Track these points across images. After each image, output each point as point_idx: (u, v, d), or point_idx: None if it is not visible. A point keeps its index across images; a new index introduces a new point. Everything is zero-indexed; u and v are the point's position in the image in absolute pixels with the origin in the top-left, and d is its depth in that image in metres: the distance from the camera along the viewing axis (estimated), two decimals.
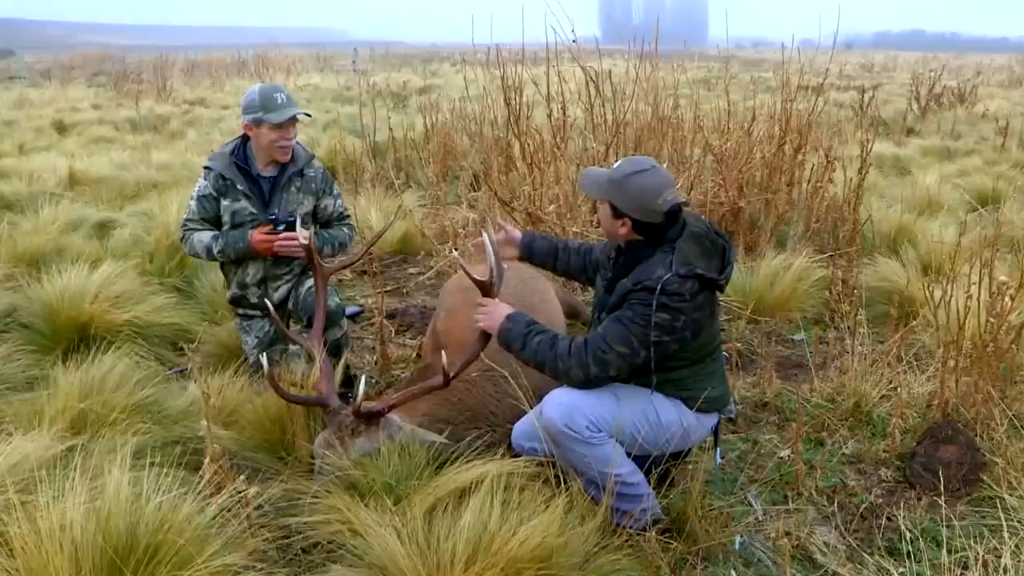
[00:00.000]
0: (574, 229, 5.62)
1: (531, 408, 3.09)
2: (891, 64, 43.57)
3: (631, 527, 2.96)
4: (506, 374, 3.27)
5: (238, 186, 4.02)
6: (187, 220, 4.11)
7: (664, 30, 6.68)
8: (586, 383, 2.89)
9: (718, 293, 3.03)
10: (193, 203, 4.09)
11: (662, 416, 2.98)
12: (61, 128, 14.90)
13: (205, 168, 4.09)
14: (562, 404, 2.91)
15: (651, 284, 2.80)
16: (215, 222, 4.10)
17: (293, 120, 3.98)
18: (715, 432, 3.27)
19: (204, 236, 4.05)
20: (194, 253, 4.11)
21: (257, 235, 3.96)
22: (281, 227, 3.98)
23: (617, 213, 2.97)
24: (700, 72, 18.57)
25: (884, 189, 8.63)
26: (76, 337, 4.47)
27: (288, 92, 4.01)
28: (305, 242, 3.69)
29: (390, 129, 9.34)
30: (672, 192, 2.93)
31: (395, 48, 61.73)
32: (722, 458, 3.49)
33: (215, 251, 4.04)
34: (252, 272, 4.14)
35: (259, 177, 4.07)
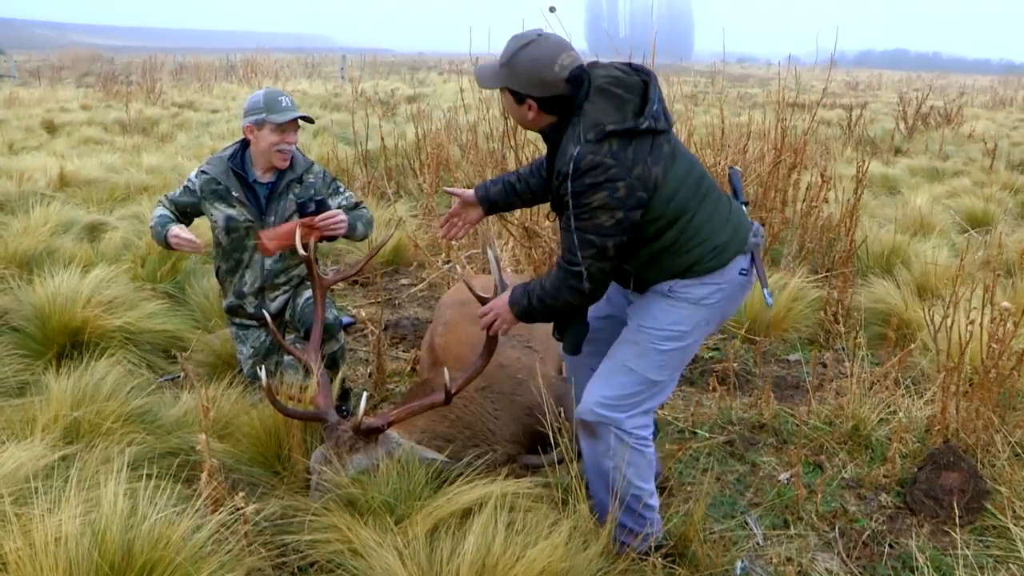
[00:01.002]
0: None
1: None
2: (875, 82, 43.90)
3: (635, 549, 2.91)
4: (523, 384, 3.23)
5: (233, 192, 3.97)
6: (164, 198, 4.11)
7: (651, 44, 6.65)
8: (590, 297, 2.74)
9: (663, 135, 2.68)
10: (179, 189, 4.09)
11: (679, 324, 2.79)
12: (51, 128, 14.77)
13: (201, 170, 4.05)
14: (606, 398, 2.81)
15: (566, 169, 2.57)
16: (183, 212, 4.07)
17: (295, 123, 3.93)
18: (758, 271, 2.92)
19: (155, 212, 4.03)
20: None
21: (267, 234, 3.82)
22: (312, 207, 3.79)
23: (518, 97, 2.71)
24: (686, 87, 18.62)
25: (875, 209, 8.66)
26: (68, 342, 4.41)
27: (292, 98, 3.96)
28: (304, 254, 3.64)
29: (382, 138, 9.31)
30: (569, 56, 2.64)
31: (382, 56, 61.71)
32: (771, 296, 3.08)
33: (150, 223, 4.03)
34: (250, 281, 4.08)
35: (256, 184, 4.03)
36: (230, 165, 3.99)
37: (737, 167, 3.06)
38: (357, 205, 4.16)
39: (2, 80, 30.32)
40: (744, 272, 2.85)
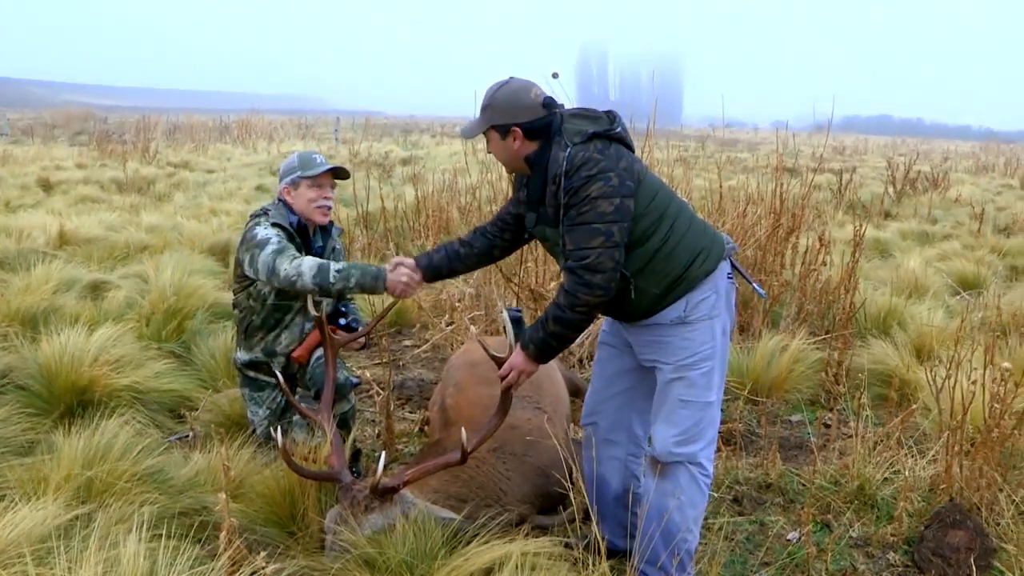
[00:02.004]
0: None
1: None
2: (862, 147, 44.64)
3: None
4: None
5: (301, 250, 3.86)
6: (284, 245, 3.66)
7: (641, 108, 6.77)
8: (606, 295, 2.85)
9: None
10: (274, 236, 3.70)
11: (705, 343, 2.98)
12: (46, 186, 14.85)
13: (273, 224, 3.79)
14: (676, 436, 2.99)
15: (560, 171, 2.82)
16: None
17: (331, 178, 3.95)
18: (740, 272, 3.20)
19: (305, 263, 3.53)
20: (294, 276, 3.52)
21: (312, 342, 3.96)
22: (342, 322, 4.01)
23: (503, 131, 2.99)
24: (676, 151, 18.90)
25: (869, 271, 8.77)
26: (75, 401, 4.40)
27: (324, 157, 3.99)
28: (319, 314, 3.68)
29: (381, 199, 9.41)
30: (539, 88, 2.99)
31: (375, 118, 62.40)
32: (764, 292, 3.40)
33: (332, 274, 3.48)
34: (285, 342, 4.02)
35: (311, 242, 4.04)
36: (294, 223, 3.92)
37: (734, 243, 3.23)
38: None
39: None
40: (729, 277, 3.09)
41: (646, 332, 3.06)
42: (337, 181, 4.04)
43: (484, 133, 3.07)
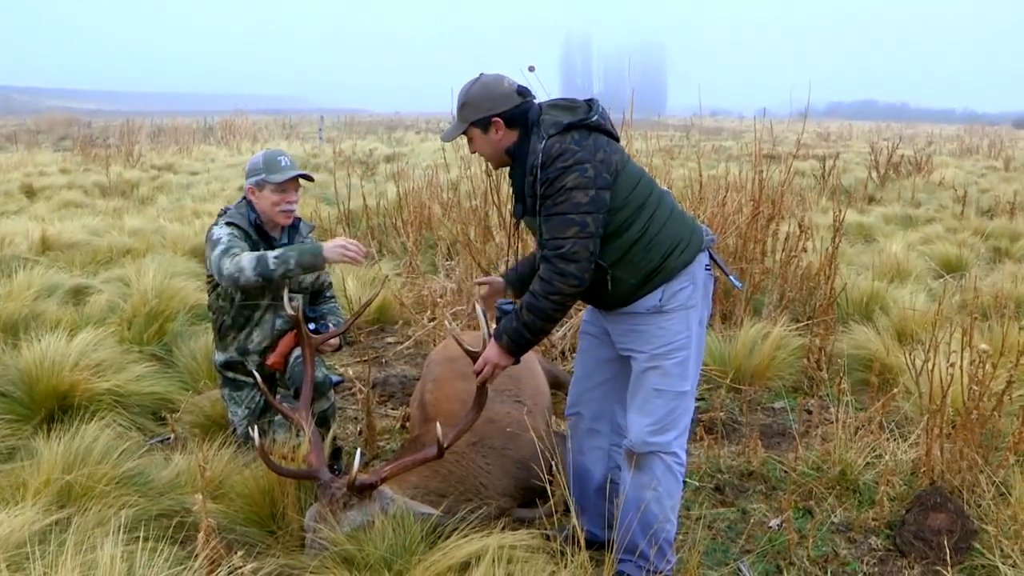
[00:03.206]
0: None
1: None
2: (846, 133, 44.72)
3: None
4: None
5: (261, 248, 3.93)
6: (231, 245, 3.71)
7: (624, 99, 6.79)
8: (580, 285, 2.84)
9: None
10: (225, 236, 3.76)
11: (680, 333, 2.99)
12: (30, 192, 14.76)
13: (229, 223, 3.87)
14: (650, 425, 3.01)
15: (537, 162, 2.83)
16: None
17: (296, 182, 3.97)
18: (718, 263, 3.19)
19: (245, 258, 3.61)
20: (236, 272, 3.59)
21: (272, 357, 3.99)
22: (313, 327, 4.01)
23: (484, 125, 2.99)
24: (662, 141, 18.92)
25: (852, 256, 8.81)
26: (56, 406, 4.39)
27: (291, 158, 4.01)
28: (294, 313, 3.69)
29: (363, 197, 9.38)
30: (510, 79, 3.01)
31: (359, 116, 62.27)
32: (741, 283, 3.39)
33: (277, 264, 3.57)
34: (257, 340, 4.07)
35: (272, 240, 4.06)
36: (253, 220, 3.99)
37: (668, 190, 3.24)
38: (329, 286, 4.36)
39: None
40: (707, 268, 3.08)
41: (623, 320, 3.06)
42: (305, 183, 4.10)
43: (465, 133, 3.05)
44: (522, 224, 3.25)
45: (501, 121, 2.97)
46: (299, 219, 4.15)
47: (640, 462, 3.04)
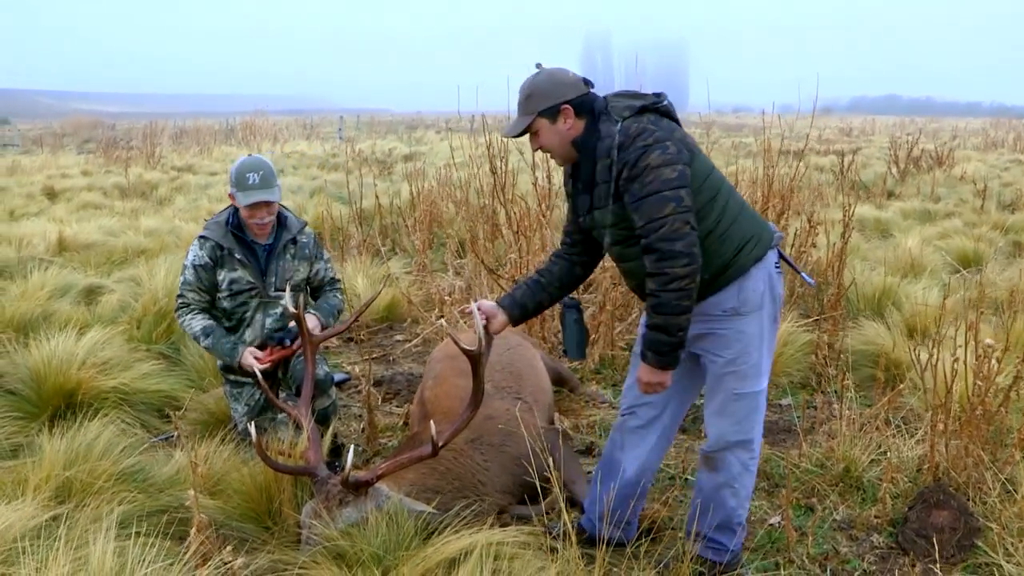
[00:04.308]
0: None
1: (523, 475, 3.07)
2: (869, 128, 44.36)
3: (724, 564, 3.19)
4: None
5: (235, 255, 4.03)
6: (183, 291, 4.06)
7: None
8: (692, 262, 2.71)
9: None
10: (188, 272, 4.04)
11: (754, 336, 2.96)
12: (51, 194, 14.94)
13: (201, 237, 4.06)
14: (732, 426, 3.05)
15: (614, 143, 2.79)
16: (212, 290, 4.07)
17: (264, 203, 3.96)
18: (787, 261, 3.13)
19: (196, 324, 4.02)
20: (184, 329, 4.10)
21: (248, 358, 3.96)
22: (287, 341, 4.02)
23: (553, 114, 2.92)
24: None
25: (867, 252, 8.71)
26: (62, 404, 4.43)
27: (266, 171, 3.95)
28: (294, 311, 3.70)
29: (376, 196, 9.41)
30: (571, 70, 2.97)
31: (380, 116, 62.47)
32: (813, 281, 3.40)
33: (202, 344, 4.05)
34: (249, 340, 4.12)
35: (255, 244, 4.09)
36: (229, 228, 4.05)
37: (780, 232, 3.19)
38: (333, 281, 4.33)
39: (5, 149, 30.72)
40: (777, 266, 3.03)
41: (699, 322, 2.95)
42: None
43: (529, 128, 2.97)
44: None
45: (571, 108, 2.90)
46: (285, 216, 4.17)
47: (718, 462, 3.10)
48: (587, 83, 2.96)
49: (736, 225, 2.90)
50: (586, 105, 2.92)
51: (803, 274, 3.23)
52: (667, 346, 2.83)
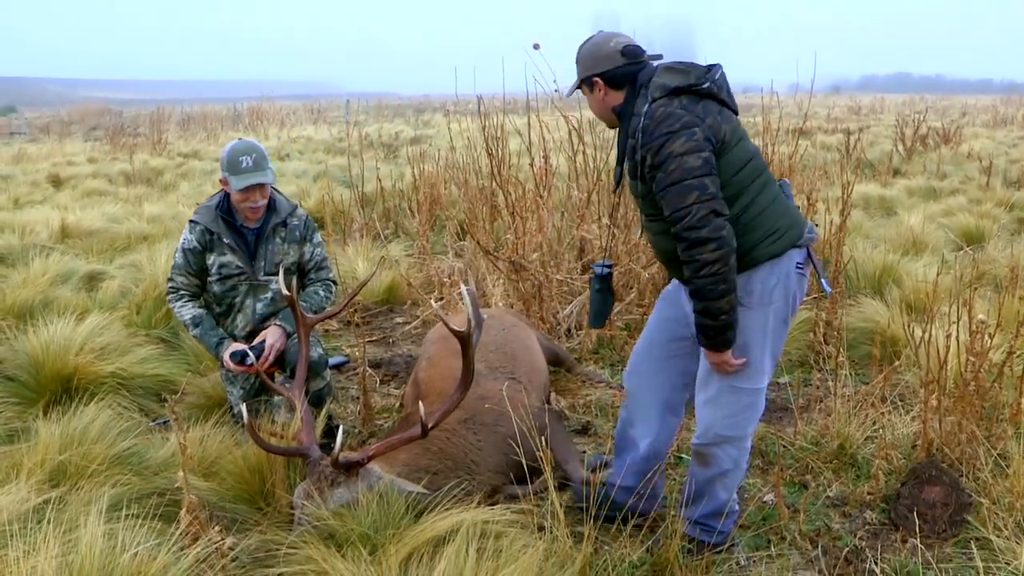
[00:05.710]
0: (558, 277, 5.64)
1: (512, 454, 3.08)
2: (879, 106, 44.03)
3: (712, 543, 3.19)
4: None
5: (224, 239, 4.05)
6: (173, 274, 4.12)
7: None
8: (721, 246, 2.69)
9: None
10: (179, 255, 4.10)
11: (756, 331, 2.91)
12: (56, 182, 14.99)
13: (191, 222, 4.09)
14: (724, 418, 3.02)
15: (639, 125, 2.78)
16: (201, 274, 4.10)
17: (258, 186, 3.96)
18: (814, 264, 3.03)
19: (185, 313, 4.08)
20: (175, 315, 4.17)
21: (227, 362, 3.98)
22: (249, 359, 3.90)
23: (589, 84, 2.97)
24: None
25: (869, 230, 8.68)
26: (60, 389, 4.46)
27: (258, 154, 3.95)
28: (288, 293, 3.70)
29: (379, 180, 9.40)
30: (622, 37, 2.95)
31: (388, 99, 62.32)
32: (830, 289, 3.35)
33: (191, 333, 4.13)
34: (241, 325, 4.17)
35: (244, 229, 4.10)
36: (218, 213, 4.06)
37: (786, 179, 3.15)
38: (322, 265, 4.29)
39: (12, 137, 30.81)
40: (799, 267, 2.95)
41: None
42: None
43: (580, 90, 3.06)
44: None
45: (601, 81, 2.93)
46: (275, 199, 4.17)
47: (709, 458, 3.08)
48: (628, 54, 2.90)
49: (762, 218, 2.85)
50: (626, 77, 2.91)
51: (823, 280, 3.10)
52: (712, 330, 2.82)
